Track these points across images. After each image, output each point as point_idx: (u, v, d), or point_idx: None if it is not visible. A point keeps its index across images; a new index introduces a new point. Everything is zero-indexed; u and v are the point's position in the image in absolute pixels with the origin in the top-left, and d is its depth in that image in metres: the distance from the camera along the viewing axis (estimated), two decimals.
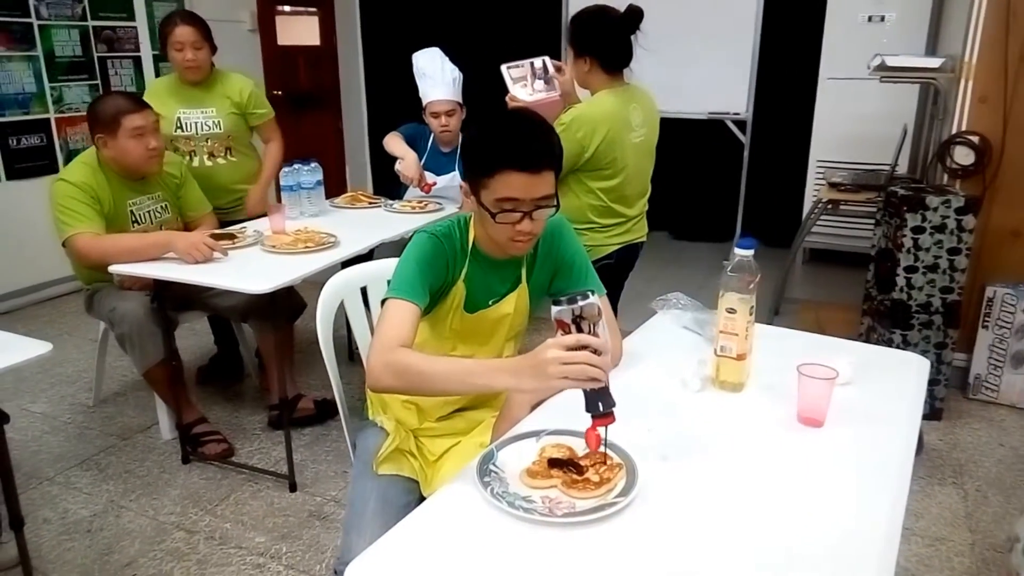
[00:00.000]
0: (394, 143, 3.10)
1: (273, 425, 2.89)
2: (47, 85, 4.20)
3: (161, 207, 2.73)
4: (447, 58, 3.15)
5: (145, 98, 2.67)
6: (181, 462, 2.66)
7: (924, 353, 2.87)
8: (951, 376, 2.99)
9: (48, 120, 4.22)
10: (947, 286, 2.83)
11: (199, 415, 2.76)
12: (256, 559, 2.19)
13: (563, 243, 1.66)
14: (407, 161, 3.04)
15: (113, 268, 2.44)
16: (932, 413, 2.95)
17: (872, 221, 3.59)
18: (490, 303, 1.62)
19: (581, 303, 1.16)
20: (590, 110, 2.35)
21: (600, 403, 1.17)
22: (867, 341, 3.08)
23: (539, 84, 2.53)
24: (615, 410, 1.17)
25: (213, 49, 3.03)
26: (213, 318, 3.19)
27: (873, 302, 3.09)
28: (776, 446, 1.33)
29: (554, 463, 1.22)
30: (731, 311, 1.47)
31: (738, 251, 1.46)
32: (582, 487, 1.17)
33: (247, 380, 3.29)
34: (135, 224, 2.65)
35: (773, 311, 3.95)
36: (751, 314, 1.48)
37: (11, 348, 1.77)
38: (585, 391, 1.17)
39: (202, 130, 3.04)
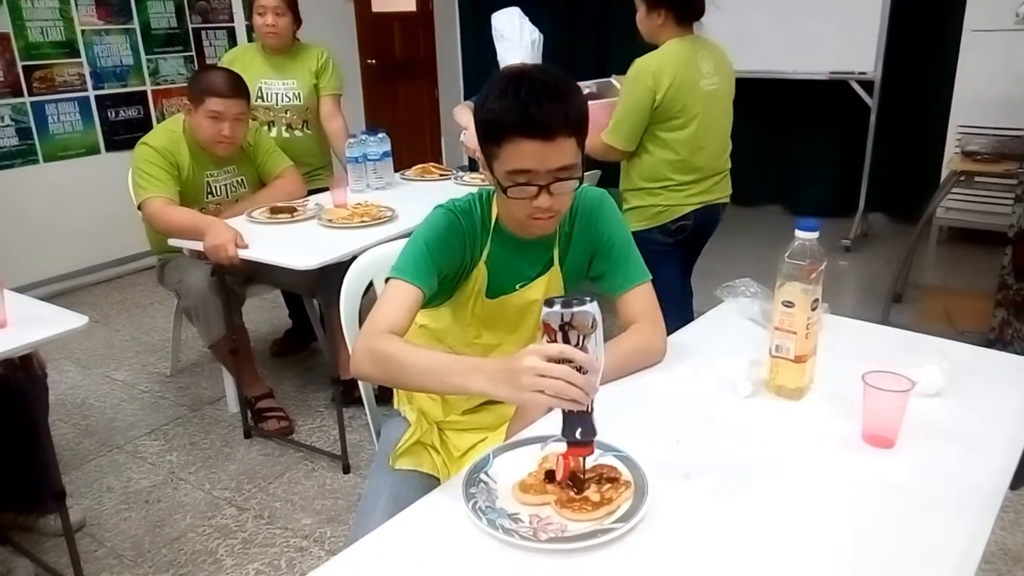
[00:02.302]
0: (461, 113, 2.95)
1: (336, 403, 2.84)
2: (143, 57, 4.30)
3: (237, 181, 2.72)
4: (527, 19, 2.96)
5: (225, 64, 2.63)
6: (243, 436, 2.65)
7: None
8: None
9: (145, 92, 4.33)
10: None
11: (265, 389, 2.73)
12: (300, 542, 2.14)
13: (602, 220, 1.46)
14: (469, 132, 2.89)
15: (172, 242, 2.45)
16: None
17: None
18: (517, 287, 1.44)
19: (573, 309, 0.98)
20: (656, 56, 2.30)
21: (577, 429, 1.00)
22: (1000, 337, 2.67)
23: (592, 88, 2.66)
24: (594, 440, 1.01)
25: (298, 21, 3.02)
26: (287, 291, 3.17)
27: (1009, 291, 2.66)
28: (829, 468, 1.09)
29: (552, 476, 1.05)
30: (788, 304, 1.23)
31: (799, 233, 1.22)
32: (578, 507, 1.00)
33: (320, 355, 3.27)
34: (210, 195, 2.64)
35: (893, 298, 3.53)
36: (814, 308, 1.23)
37: (48, 321, 1.75)
38: (563, 412, 1.00)
39: (282, 101, 3.04)
